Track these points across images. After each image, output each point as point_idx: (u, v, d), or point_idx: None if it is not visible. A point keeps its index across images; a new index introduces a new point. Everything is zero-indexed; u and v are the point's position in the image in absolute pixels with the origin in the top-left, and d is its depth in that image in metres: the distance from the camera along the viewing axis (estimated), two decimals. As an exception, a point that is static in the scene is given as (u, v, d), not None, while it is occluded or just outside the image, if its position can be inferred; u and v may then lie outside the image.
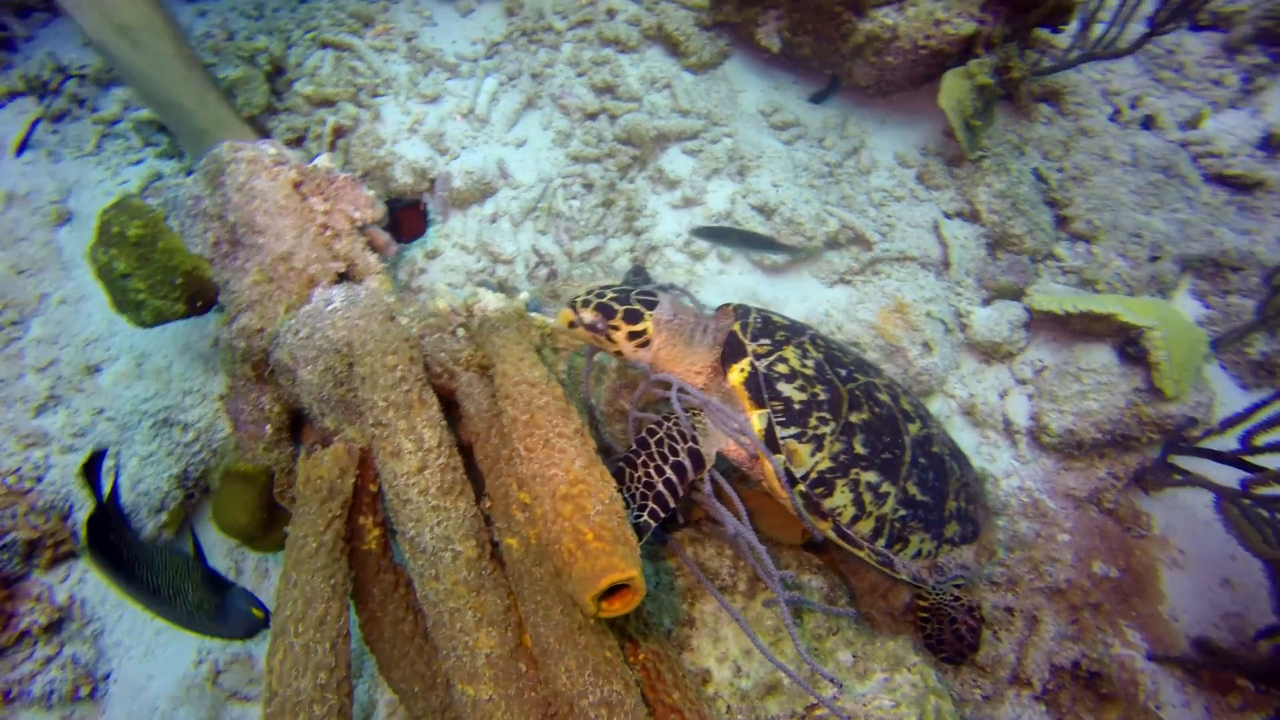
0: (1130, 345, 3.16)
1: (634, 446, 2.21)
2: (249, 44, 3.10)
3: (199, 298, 2.51)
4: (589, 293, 2.27)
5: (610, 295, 2.26)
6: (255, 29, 3.34)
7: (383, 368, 2.12)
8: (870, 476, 2.24)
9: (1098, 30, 3.57)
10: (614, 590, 1.64)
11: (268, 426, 2.54)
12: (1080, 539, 3.10)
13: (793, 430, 2.18)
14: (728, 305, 2.39)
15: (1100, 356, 3.19)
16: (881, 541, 2.27)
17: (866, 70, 3.65)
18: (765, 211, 3.46)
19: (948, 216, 3.64)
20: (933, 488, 2.34)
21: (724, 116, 3.69)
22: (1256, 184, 3.66)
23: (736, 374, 2.24)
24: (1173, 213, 3.63)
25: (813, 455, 2.19)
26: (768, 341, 2.27)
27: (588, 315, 2.25)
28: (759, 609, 2.40)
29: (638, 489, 2.15)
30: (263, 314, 2.41)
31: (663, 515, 2.12)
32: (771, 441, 2.19)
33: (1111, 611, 3.02)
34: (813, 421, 2.19)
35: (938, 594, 2.49)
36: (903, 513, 2.28)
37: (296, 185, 2.31)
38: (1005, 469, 3.24)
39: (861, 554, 2.27)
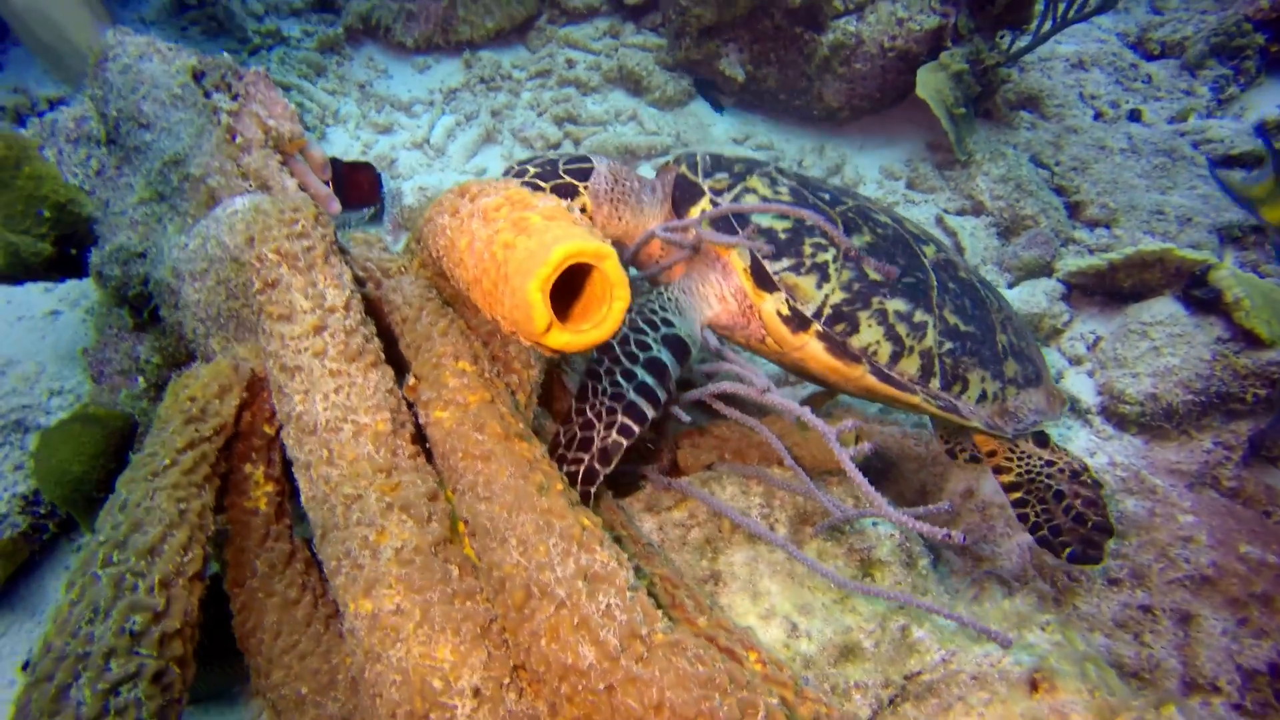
0: (1195, 288, 2.69)
1: (595, 354, 1.67)
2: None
3: (72, 241, 2.04)
4: (507, 174, 1.84)
5: (533, 172, 1.83)
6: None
7: (279, 221, 1.63)
8: (898, 304, 1.72)
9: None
10: (570, 305, 1.02)
11: (140, 379, 1.96)
12: (1210, 519, 2.39)
13: (786, 262, 1.69)
14: (668, 161, 1.98)
15: (1164, 308, 2.71)
16: (936, 383, 1.71)
17: (836, 88, 3.55)
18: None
19: (948, 214, 3.34)
20: (974, 316, 1.81)
21: (695, 140, 3.52)
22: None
23: (695, 217, 1.78)
24: (1190, 190, 3.35)
25: (819, 287, 1.68)
26: (725, 176, 1.85)
27: None
28: (811, 559, 1.67)
29: (603, 404, 1.58)
30: (146, 235, 1.94)
31: (637, 430, 1.56)
32: (764, 280, 1.68)
33: (1285, 608, 2.22)
34: (807, 249, 1.71)
35: (1022, 460, 1.83)
36: (949, 345, 1.74)
37: (197, 76, 1.97)
38: (1086, 447, 2.60)
39: (916, 400, 1.70)
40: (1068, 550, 1.82)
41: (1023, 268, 3.06)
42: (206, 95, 2.00)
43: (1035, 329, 2.91)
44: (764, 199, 1.80)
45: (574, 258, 0.92)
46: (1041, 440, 1.93)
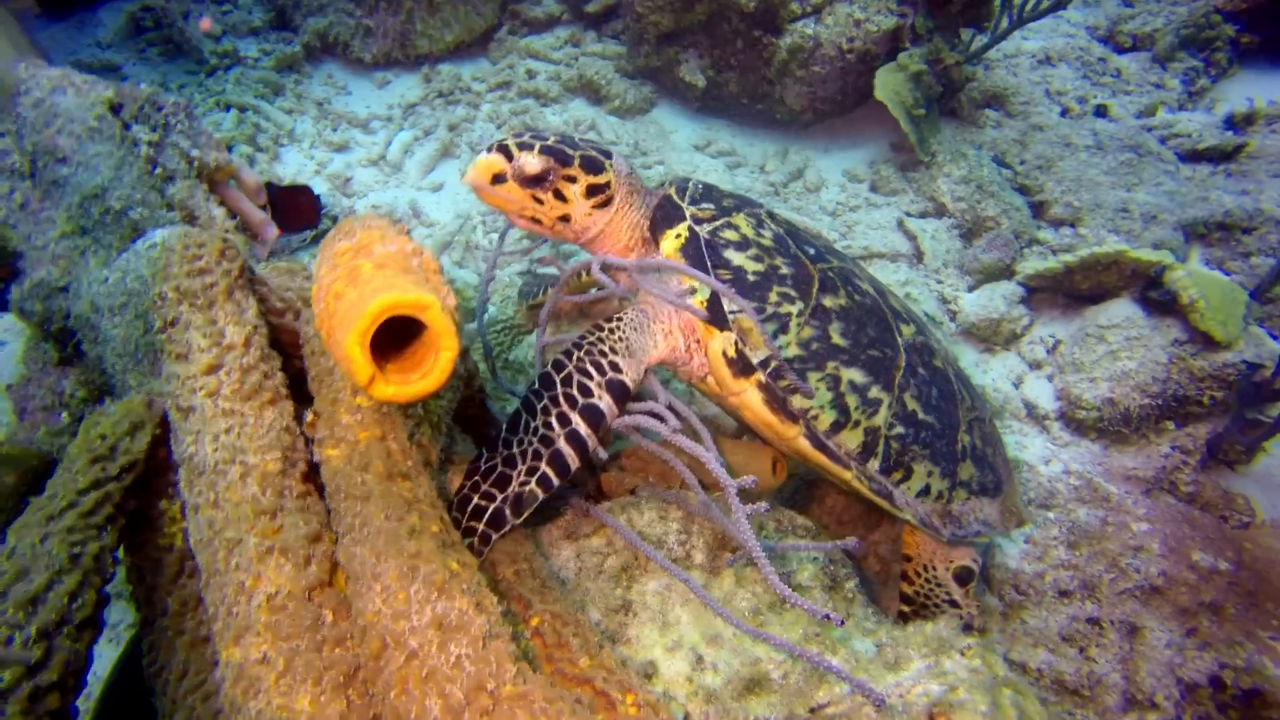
0: (1152, 289, 2.64)
1: (535, 385, 1.65)
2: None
3: None
4: (521, 134, 1.68)
5: (554, 139, 1.67)
6: (159, 99, 3.23)
7: (181, 257, 1.63)
8: (854, 375, 1.66)
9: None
10: (399, 353, 1.01)
11: (63, 414, 1.96)
12: (1164, 526, 2.34)
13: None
14: (664, 181, 1.94)
15: (1121, 310, 2.66)
16: (875, 464, 1.65)
17: (797, 90, 3.51)
18: (707, 220, 3.11)
19: (910, 216, 3.30)
20: (938, 408, 1.74)
21: (654, 148, 3.49)
22: (1237, 148, 3.37)
23: (671, 241, 1.74)
24: (1156, 187, 3.29)
25: (775, 337, 1.63)
26: (711, 206, 1.79)
27: (533, 161, 1.62)
28: (727, 587, 1.66)
29: (530, 444, 1.56)
30: (67, 269, 1.94)
31: (557, 482, 1.54)
32: (718, 317, 1.64)
33: (1239, 616, 2.18)
34: (773, 297, 1.66)
35: (929, 583, 1.80)
36: (900, 430, 1.68)
37: (114, 108, 1.97)
38: (1041, 454, 2.56)
39: (847, 475, 1.63)
40: None
41: (983, 271, 3.01)
42: (126, 127, 2.00)
43: (995, 333, 2.87)
44: (744, 238, 1.74)
45: (391, 310, 0.91)
46: (964, 577, 1.88)
